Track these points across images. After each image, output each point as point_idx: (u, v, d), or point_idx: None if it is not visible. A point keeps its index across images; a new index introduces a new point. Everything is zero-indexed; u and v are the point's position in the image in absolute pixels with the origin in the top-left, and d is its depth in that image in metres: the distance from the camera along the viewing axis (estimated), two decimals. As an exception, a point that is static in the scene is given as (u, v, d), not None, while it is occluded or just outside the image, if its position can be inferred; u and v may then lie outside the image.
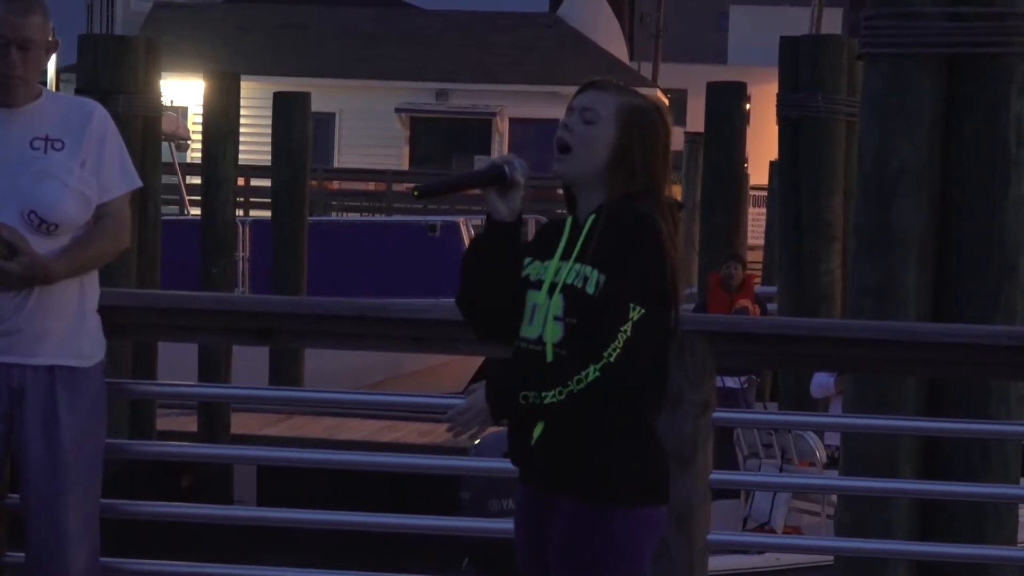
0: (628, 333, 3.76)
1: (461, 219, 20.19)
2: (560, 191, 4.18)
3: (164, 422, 15.38)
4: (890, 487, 5.79)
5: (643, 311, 3.78)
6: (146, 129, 14.31)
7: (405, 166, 36.39)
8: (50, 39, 4.57)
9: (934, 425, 5.80)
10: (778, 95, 14.44)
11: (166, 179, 18.19)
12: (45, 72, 4.83)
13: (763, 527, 11.35)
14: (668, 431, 4.33)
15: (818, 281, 13.90)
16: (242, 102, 17.80)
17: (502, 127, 37.76)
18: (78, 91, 13.87)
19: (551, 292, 3.89)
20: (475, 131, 37.47)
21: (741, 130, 17.30)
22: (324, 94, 30.77)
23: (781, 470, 11.44)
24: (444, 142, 36.92)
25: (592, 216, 3.92)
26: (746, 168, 19.56)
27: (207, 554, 6.01)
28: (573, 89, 4.09)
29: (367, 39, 39.11)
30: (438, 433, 14.47)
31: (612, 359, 3.75)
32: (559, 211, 4.21)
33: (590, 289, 3.83)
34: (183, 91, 31.83)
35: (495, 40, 39.49)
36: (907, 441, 6.13)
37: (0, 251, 4.38)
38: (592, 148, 3.93)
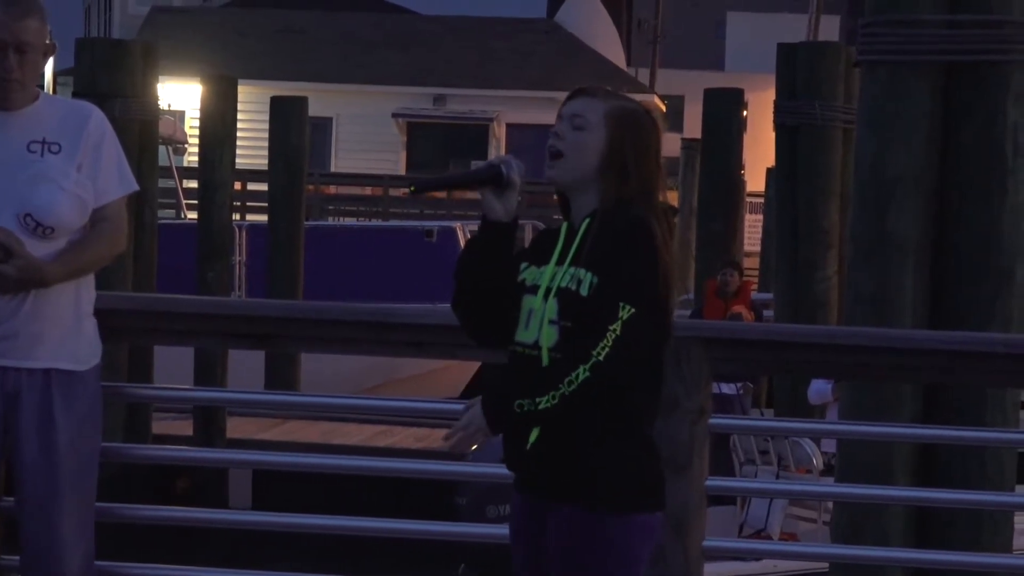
0: (618, 332, 3.77)
1: (458, 224, 20.20)
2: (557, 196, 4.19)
3: (160, 426, 15.38)
4: (886, 494, 5.79)
5: (633, 311, 3.78)
6: (143, 133, 14.32)
7: (402, 171, 36.36)
8: (47, 42, 4.57)
9: (930, 432, 5.80)
10: (775, 102, 14.46)
11: (163, 183, 18.17)
12: (42, 75, 4.82)
13: (759, 534, 11.35)
14: (664, 437, 4.33)
15: (814, 288, 13.92)
16: (239, 106, 17.82)
17: (499, 132, 37.76)
18: (75, 95, 13.87)
19: (546, 296, 3.90)
20: (472, 136, 37.46)
21: (738, 137, 17.32)
22: (321, 99, 30.75)
23: (778, 477, 11.44)
24: (441, 147, 36.91)
25: (586, 220, 3.94)
26: (743, 175, 19.58)
27: (202, 558, 6.00)
28: (571, 95, 4.10)
29: (365, 44, 39.11)
30: (435, 438, 14.46)
31: (601, 358, 3.76)
32: (556, 216, 4.22)
33: (583, 291, 3.84)
34: (180, 95, 31.84)
35: (493, 45, 39.49)
36: (903, 448, 6.13)
37: (-4, 255, 4.38)
38: (583, 153, 3.95)
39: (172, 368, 13.88)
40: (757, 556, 10.23)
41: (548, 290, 3.91)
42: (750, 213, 29.41)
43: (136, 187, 4.73)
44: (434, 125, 37.68)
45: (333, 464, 5.90)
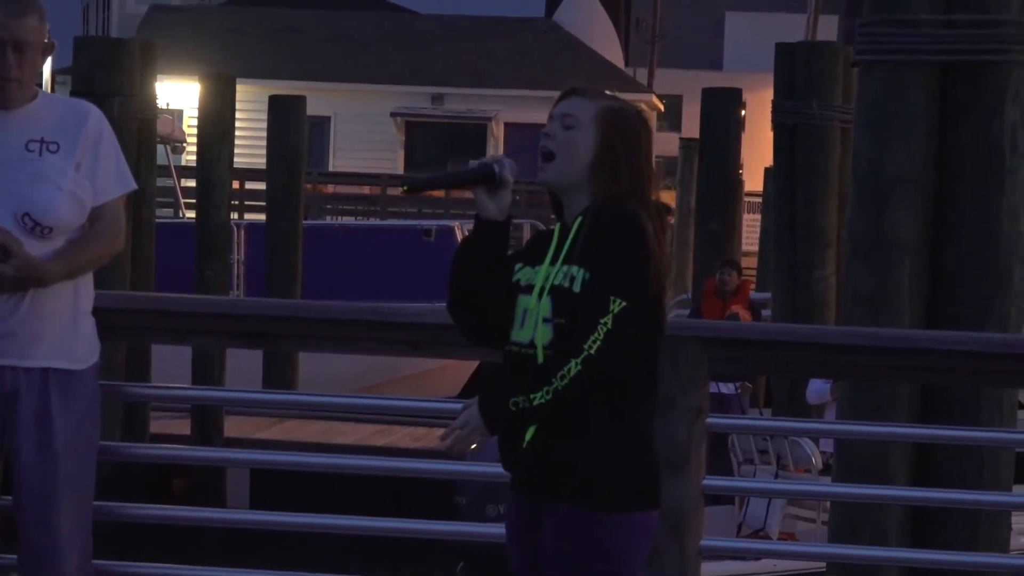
0: (609, 325, 3.77)
1: (456, 223, 20.19)
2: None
3: (157, 425, 15.38)
4: (884, 494, 5.79)
5: (624, 304, 3.79)
6: (141, 132, 14.33)
7: (400, 170, 36.35)
8: (46, 41, 4.57)
9: (927, 432, 5.81)
10: (773, 101, 14.47)
11: (161, 182, 18.18)
12: (41, 74, 4.82)
13: (758, 533, 11.35)
14: (661, 436, 4.33)
15: (812, 288, 13.93)
16: (237, 105, 17.80)
17: (497, 132, 37.75)
18: (73, 93, 13.86)
19: (540, 295, 3.91)
20: (471, 135, 37.44)
21: (736, 136, 17.33)
22: (320, 98, 30.73)
23: (777, 476, 11.45)
24: (439, 146, 36.89)
25: (579, 219, 3.95)
26: (741, 174, 19.58)
27: (200, 557, 6.01)
28: (570, 94, 4.11)
29: (363, 43, 39.09)
30: (433, 437, 14.45)
31: (592, 351, 3.77)
32: (553, 216, 4.23)
33: (576, 288, 3.85)
34: (179, 94, 31.82)
35: (491, 45, 39.48)
36: (901, 448, 6.13)
37: (-6, 254, 4.38)
38: (574, 152, 3.96)
39: (170, 367, 13.88)
40: (755, 556, 10.23)
41: (542, 289, 3.92)
42: (748, 212, 29.41)
43: (134, 186, 4.72)
44: (432, 124, 37.68)
45: (331, 463, 5.90)
